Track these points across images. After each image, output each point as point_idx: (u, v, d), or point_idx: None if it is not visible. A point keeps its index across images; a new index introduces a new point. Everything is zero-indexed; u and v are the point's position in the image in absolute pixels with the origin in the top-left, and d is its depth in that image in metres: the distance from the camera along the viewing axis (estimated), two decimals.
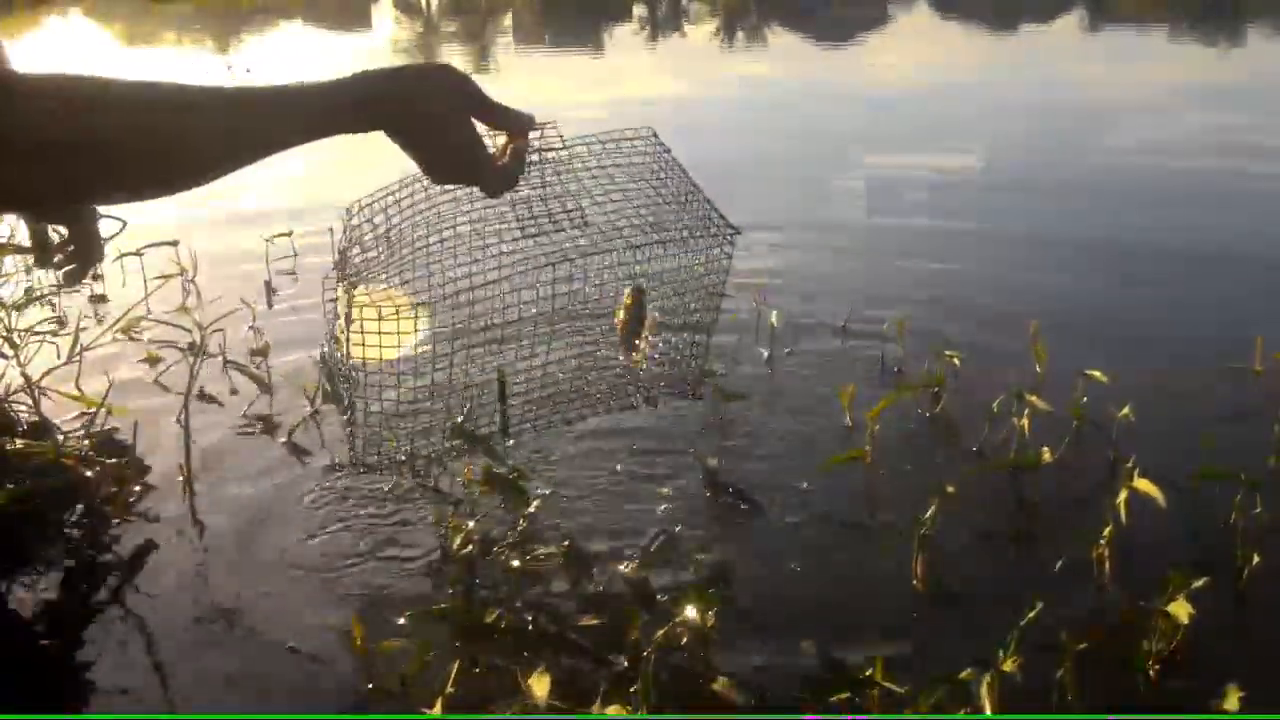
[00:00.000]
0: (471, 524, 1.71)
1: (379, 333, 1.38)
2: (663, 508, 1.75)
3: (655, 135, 1.49)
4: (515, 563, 1.64)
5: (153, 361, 2.21)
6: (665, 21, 14.85)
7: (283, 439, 2.13)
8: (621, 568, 1.64)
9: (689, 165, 1.48)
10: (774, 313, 2.59)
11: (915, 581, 1.61)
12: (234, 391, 2.32)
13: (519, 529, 1.74)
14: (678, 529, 1.72)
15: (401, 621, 1.54)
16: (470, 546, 1.66)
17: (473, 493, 1.75)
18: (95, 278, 2.96)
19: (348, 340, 1.40)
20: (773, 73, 9.26)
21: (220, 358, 2.33)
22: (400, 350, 1.43)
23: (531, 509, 1.74)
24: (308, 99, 0.91)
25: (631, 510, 1.80)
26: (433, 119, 0.97)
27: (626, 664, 1.38)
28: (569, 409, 1.63)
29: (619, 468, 1.97)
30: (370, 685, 1.40)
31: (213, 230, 3.55)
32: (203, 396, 2.06)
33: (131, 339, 2.45)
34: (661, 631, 1.39)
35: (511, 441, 1.99)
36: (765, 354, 2.48)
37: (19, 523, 1.80)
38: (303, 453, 2.09)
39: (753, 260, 3.24)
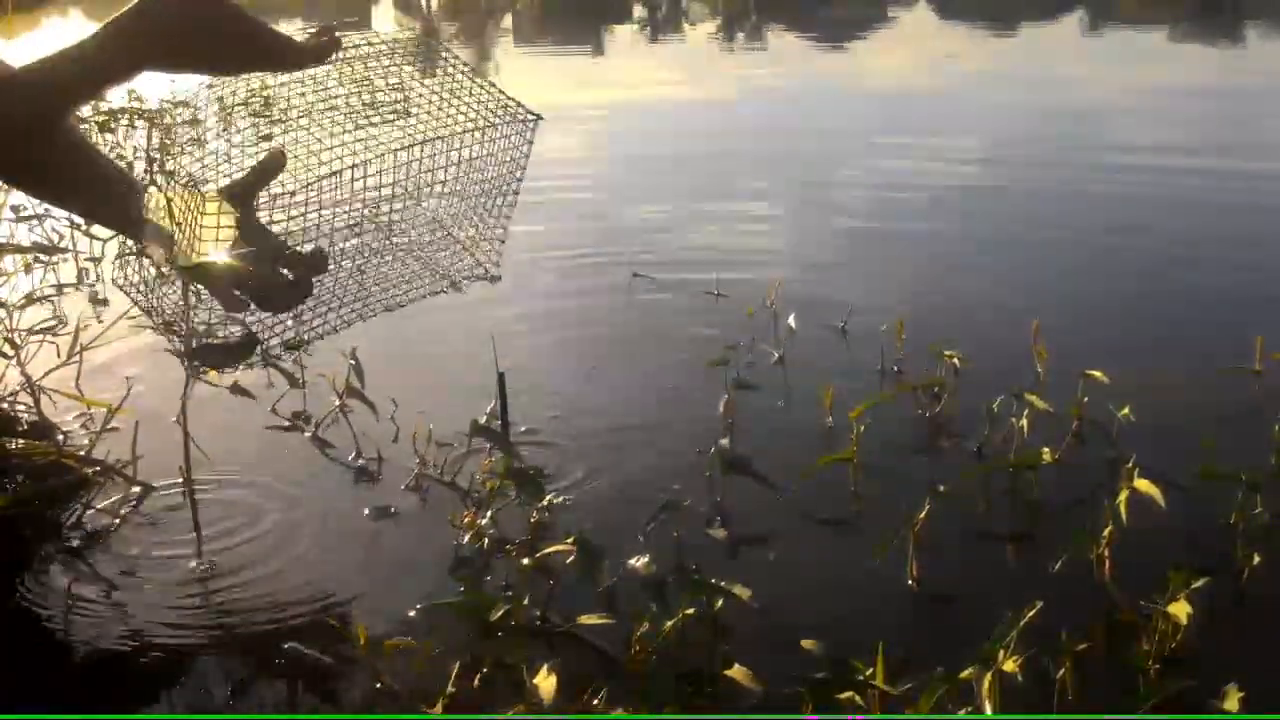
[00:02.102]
0: (484, 520, 1.72)
1: (200, 226, 1.32)
2: (673, 499, 1.76)
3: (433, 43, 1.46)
4: (525, 560, 1.63)
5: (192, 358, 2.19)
6: (665, 22, 14.85)
7: (307, 434, 2.13)
8: (633, 563, 1.64)
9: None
10: (791, 315, 2.59)
11: (910, 581, 1.61)
12: (269, 385, 2.29)
13: (532, 523, 1.75)
14: (685, 530, 1.72)
15: (409, 617, 1.54)
16: (482, 542, 1.66)
17: (490, 489, 1.75)
18: (96, 279, 2.97)
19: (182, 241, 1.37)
20: (773, 73, 9.26)
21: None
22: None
23: (545, 503, 1.74)
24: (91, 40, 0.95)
25: (640, 509, 1.80)
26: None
27: (632, 663, 1.38)
28: (366, 305, 1.51)
29: (629, 465, 1.97)
30: (373, 685, 1.40)
31: None
32: (235, 389, 2.04)
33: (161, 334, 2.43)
34: (667, 626, 1.39)
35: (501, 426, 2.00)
36: (776, 355, 2.48)
37: (19, 523, 1.81)
38: (325, 446, 2.09)
39: (752, 259, 3.25)
